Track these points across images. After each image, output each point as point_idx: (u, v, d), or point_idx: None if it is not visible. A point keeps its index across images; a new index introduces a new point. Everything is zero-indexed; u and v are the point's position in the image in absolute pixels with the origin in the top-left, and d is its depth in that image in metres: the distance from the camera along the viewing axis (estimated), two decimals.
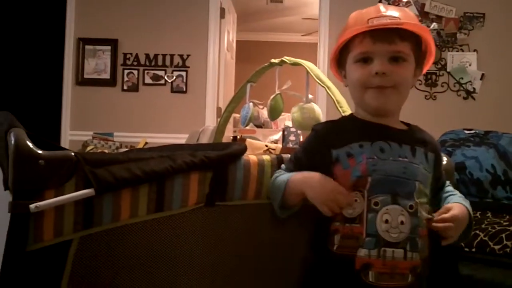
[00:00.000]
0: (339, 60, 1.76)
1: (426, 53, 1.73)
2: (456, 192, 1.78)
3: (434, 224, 1.58)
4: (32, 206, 1.39)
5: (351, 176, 1.57)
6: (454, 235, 1.62)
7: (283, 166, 1.76)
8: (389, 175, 1.56)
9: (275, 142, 7.06)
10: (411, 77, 1.67)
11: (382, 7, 1.65)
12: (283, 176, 1.70)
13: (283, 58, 2.45)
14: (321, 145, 1.65)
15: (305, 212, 1.66)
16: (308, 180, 1.62)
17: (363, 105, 1.68)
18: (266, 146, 2.29)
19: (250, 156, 1.76)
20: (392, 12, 1.64)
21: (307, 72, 2.31)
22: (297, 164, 1.71)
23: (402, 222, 1.52)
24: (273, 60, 2.49)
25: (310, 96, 2.41)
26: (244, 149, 1.74)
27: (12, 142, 1.39)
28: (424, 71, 1.76)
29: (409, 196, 1.55)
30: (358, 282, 1.53)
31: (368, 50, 1.61)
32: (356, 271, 1.53)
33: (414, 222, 1.54)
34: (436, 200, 1.72)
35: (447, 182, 1.82)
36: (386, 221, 1.52)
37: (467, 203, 1.68)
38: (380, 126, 1.66)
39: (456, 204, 1.65)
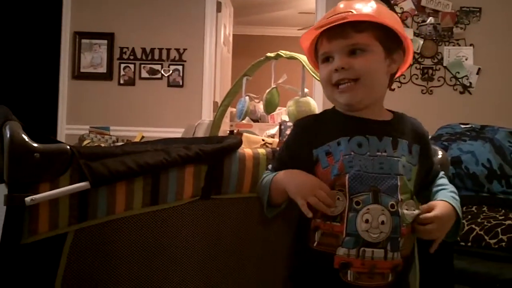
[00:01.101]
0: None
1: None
2: (448, 185, 1.75)
3: (417, 229, 1.57)
4: (27, 199, 1.39)
5: (330, 175, 1.57)
6: (439, 235, 1.59)
7: (269, 166, 1.76)
8: (366, 172, 1.55)
9: (272, 136, 7.06)
10: (380, 66, 1.64)
11: (343, 4, 1.66)
12: (269, 175, 1.70)
13: (279, 52, 2.45)
14: (302, 144, 1.65)
15: (296, 206, 1.66)
16: (290, 177, 1.63)
17: (334, 102, 1.70)
18: (263, 140, 2.29)
19: (246, 150, 1.76)
20: (350, 6, 1.63)
21: (303, 66, 2.31)
22: (280, 162, 1.71)
23: (382, 222, 1.51)
24: (269, 54, 2.49)
25: (306, 90, 2.41)
26: (240, 143, 1.74)
27: (7, 135, 1.39)
28: (408, 56, 1.73)
29: (391, 193, 1.54)
30: (336, 280, 1.53)
31: (327, 50, 1.64)
32: (335, 270, 1.52)
33: (395, 221, 1.52)
34: (426, 194, 1.70)
35: (441, 173, 1.79)
36: (367, 221, 1.50)
37: (453, 200, 1.65)
38: (359, 120, 1.65)
39: (439, 202, 1.63)
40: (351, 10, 1.61)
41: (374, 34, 1.61)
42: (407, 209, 1.56)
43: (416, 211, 1.58)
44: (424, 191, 1.70)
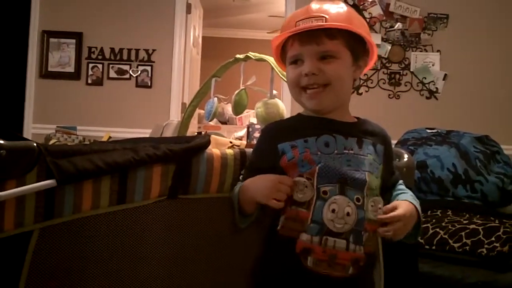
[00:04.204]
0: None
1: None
2: (408, 190, 1.78)
3: (380, 229, 1.59)
4: None
5: (299, 168, 1.59)
6: (400, 234, 1.61)
7: (241, 177, 1.76)
8: (334, 168, 1.57)
9: (240, 138, 7.06)
10: (348, 71, 1.68)
11: (314, 5, 1.66)
12: (238, 185, 1.71)
13: (248, 54, 2.46)
14: (269, 142, 1.67)
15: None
16: (252, 184, 1.65)
17: (301, 104, 1.72)
18: (231, 142, 2.29)
19: (214, 150, 1.76)
20: (322, 10, 1.64)
21: (272, 68, 2.32)
22: (251, 168, 1.73)
23: (348, 214, 1.53)
24: (238, 56, 2.50)
25: (274, 92, 2.42)
26: (208, 143, 1.74)
27: None
28: (371, 61, 1.78)
29: (358, 187, 1.57)
30: (297, 265, 1.54)
31: (297, 53, 1.65)
32: (296, 255, 1.54)
33: (360, 214, 1.55)
34: (387, 198, 1.72)
35: (400, 181, 1.83)
36: (333, 211, 1.53)
37: (414, 201, 1.68)
38: (326, 120, 1.67)
39: (403, 202, 1.65)
40: (324, 15, 1.62)
41: (344, 42, 1.64)
42: (373, 205, 1.59)
43: (380, 210, 1.60)
44: (385, 194, 1.71)
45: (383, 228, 1.58)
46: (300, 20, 1.63)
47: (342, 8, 1.68)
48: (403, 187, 1.81)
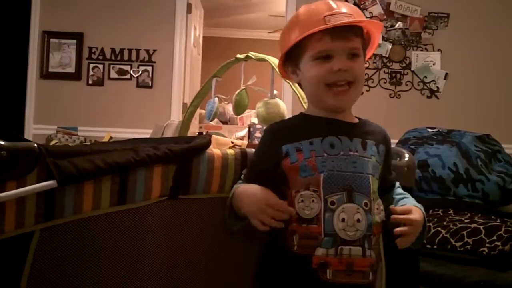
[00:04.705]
0: (286, 57, 1.75)
1: (368, 44, 1.75)
2: (409, 195, 1.77)
3: (396, 229, 1.57)
4: None
5: (300, 172, 1.57)
6: (410, 240, 1.60)
7: (242, 176, 1.75)
8: (339, 171, 1.56)
9: (241, 138, 7.05)
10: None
11: (332, 3, 1.64)
12: (235, 186, 1.70)
13: (248, 54, 2.46)
14: (272, 143, 1.65)
15: None
16: (245, 192, 1.63)
17: (320, 102, 1.68)
18: (232, 142, 2.29)
19: (214, 150, 1.75)
20: (343, 8, 1.63)
21: (272, 68, 2.32)
22: (252, 169, 1.72)
23: (358, 220, 1.52)
24: (238, 55, 2.50)
25: (275, 91, 2.42)
26: (208, 143, 1.74)
27: None
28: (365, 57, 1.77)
29: (364, 191, 1.56)
30: (315, 280, 1.52)
31: (328, 48, 1.61)
32: (313, 270, 1.52)
33: (369, 219, 1.54)
34: (387, 201, 1.70)
35: (397, 184, 1.82)
36: (343, 220, 1.51)
37: (421, 208, 1.68)
38: (331, 121, 1.66)
39: (413, 207, 1.64)
40: (350, 13, 1.62)
41: (361, 39, 1.66)
42: (377, 208, 1.59)
43: (382, 212, 1.60)
44: (382, 196, 1.69)
45: (401, 228, 1.56)
46: (330, 15, 1.60)
47: (353, 6, 1.71)
48: (402, 190, 1.80)
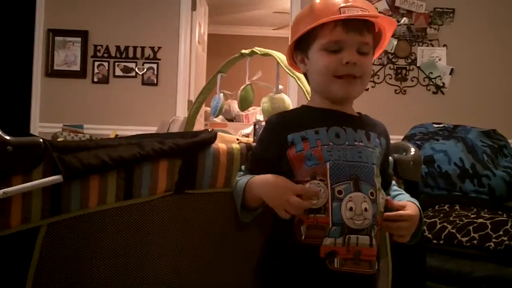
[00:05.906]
0: (296, 45, 1.75)
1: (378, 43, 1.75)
2: (404, 192, 1.80)
3: (386, 223, 1.60)
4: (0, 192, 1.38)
5: (305, 161, 1.57)
6: (405, 235, 1.62)
7: (243, 167, 1.75)
8: (345, 160, 1.56)
9: (247, 136, 7.05)
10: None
11: None
12: (243, 179, 1.68)
13: (253, 49, 2.45)
14: (276, 132, 1.64)
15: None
16: (264, 183, 1.61)
17: (326, 92, 1.68)
18: (237, 139, 2.28)
19: (220, 145, 1.75)
20: (358, 2, 1.63)
21: (278, 63, 2.32)
22: (254, 159, 1.72)
23: (366, 209, 1.53)
24: (243, 51, 2.49)
25: (280, 86, 2.41)
26: (214, 137, 1.73)
27: None
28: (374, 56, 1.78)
29: (369, 181, 1.57)
30: (322, 269, 1.53)
31: (340, 39, 1.61)
32: (321, 259, 1.53)
33: (374, 209, 1.55)
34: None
35: (393, 182, 1.85)
36: (351, 209, 1.52)
37: (417, 203, 1.69)
38: (335, 112, 1.67)
39: (409, 202, 1.66)
40: (365, 7, 1.63)
41: (373, 37, 1.67)
42: (382, 198, 1.60)
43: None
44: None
45: (387, 223, 1.59)
46: (345, 7, 1.61)
47: (368, 2, 1.71)
48: (398, 187, 1.83)
